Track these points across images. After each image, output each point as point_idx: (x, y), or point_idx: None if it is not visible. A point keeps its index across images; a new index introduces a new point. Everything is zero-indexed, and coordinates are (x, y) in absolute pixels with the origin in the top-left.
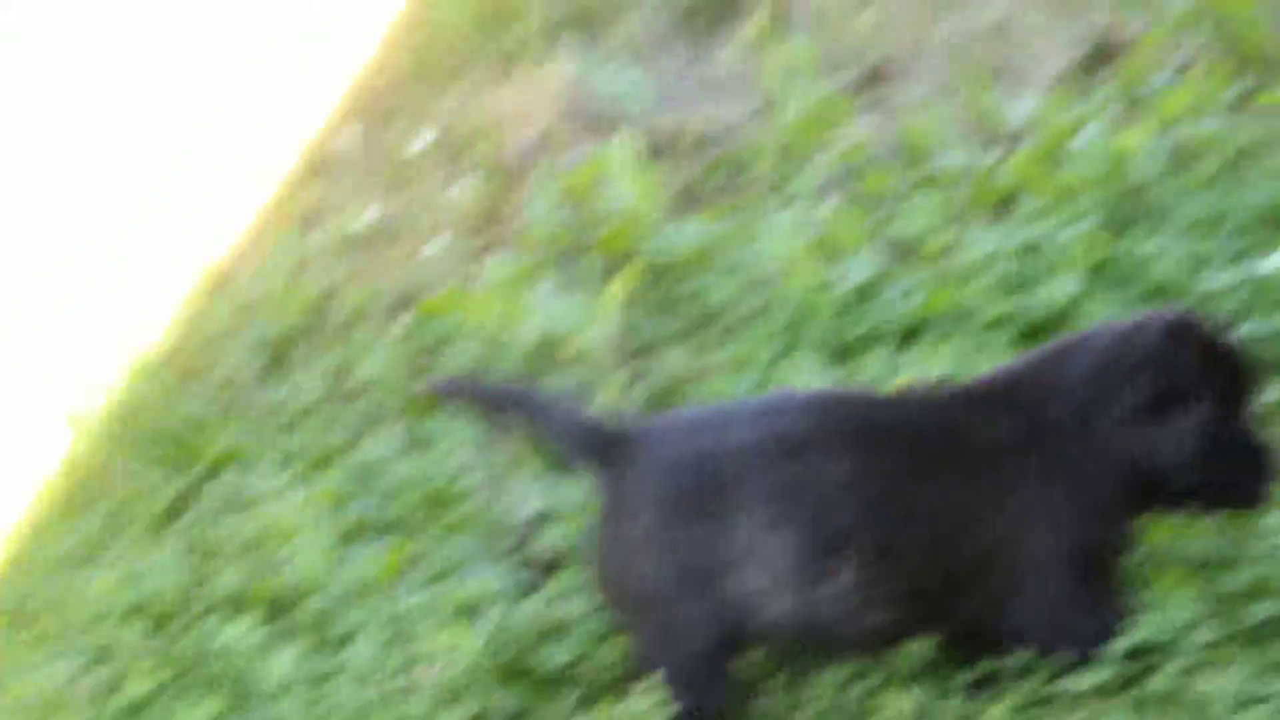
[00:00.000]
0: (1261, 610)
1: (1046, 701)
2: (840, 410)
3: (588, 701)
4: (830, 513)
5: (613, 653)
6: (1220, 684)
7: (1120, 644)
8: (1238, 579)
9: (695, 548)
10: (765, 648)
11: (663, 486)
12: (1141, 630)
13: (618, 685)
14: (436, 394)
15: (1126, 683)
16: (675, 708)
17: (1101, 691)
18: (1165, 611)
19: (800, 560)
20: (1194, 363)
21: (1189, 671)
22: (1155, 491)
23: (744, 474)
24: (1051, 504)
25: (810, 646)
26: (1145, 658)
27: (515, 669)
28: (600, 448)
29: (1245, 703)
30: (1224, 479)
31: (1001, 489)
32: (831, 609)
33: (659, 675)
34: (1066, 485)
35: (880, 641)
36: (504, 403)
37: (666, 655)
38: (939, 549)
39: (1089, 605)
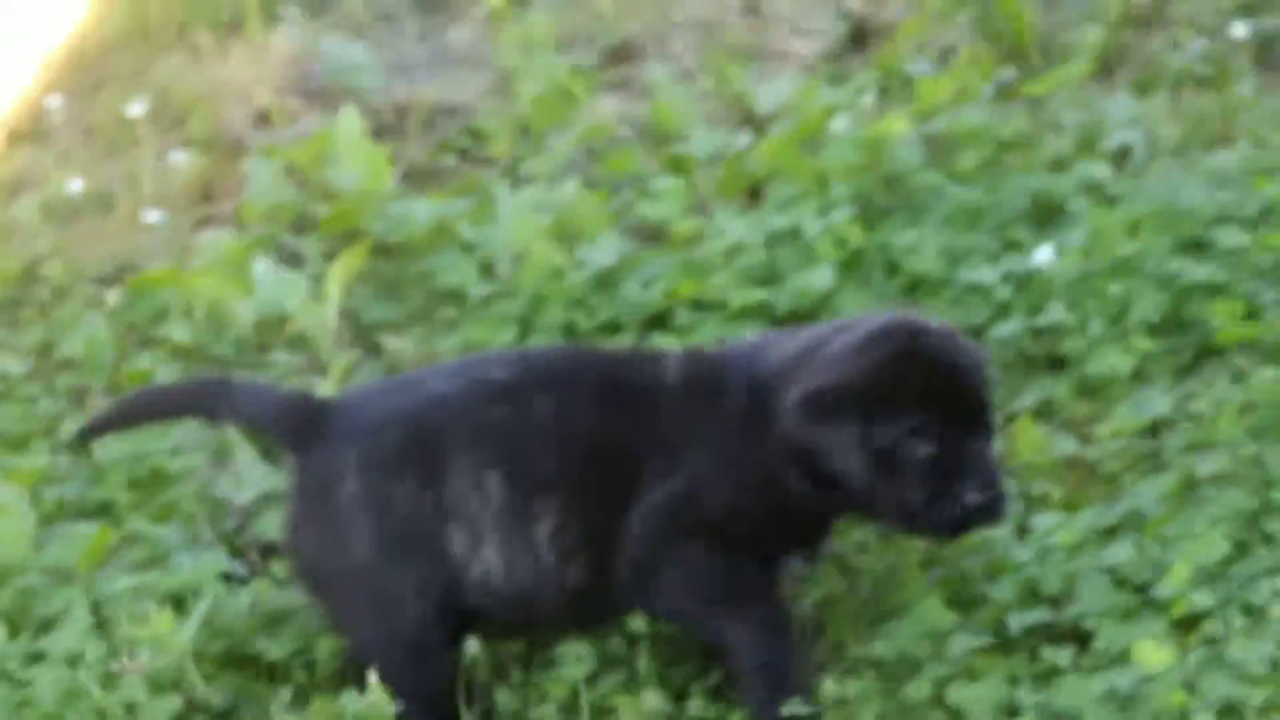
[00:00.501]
0: (1026, 618)
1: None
2: (539, 360)
3: (304, 696)
4: (528, 458)
5: (332, 645)
6: (977, 694)
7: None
8: (1003, 587)
9: (402, 507)
10: (483, 634)
11: (363, 449)
12: (900, 639)
13: (336, 679)
14: (95, 435)
15: (883, 691)
16: (397, 703)
17: (858, 699)
18: (923, 621)
19: (501, 507)
20: (906, 376)
21: (946, 681)
22: (831, 496)
23: (445, 424)
24: (704, 471)
25: (519, 621)
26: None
27: (228, 659)
28: (292, 423)
29: (1004, 713)
30: (906, 500)
31: (671, 448)
32: (531, 562)
33: (374, 663)
34: (725, 459)
35: (583, 613)
36: (181, 406)
37: (380, 635)
38: (616, 502)
39: (725, 582)
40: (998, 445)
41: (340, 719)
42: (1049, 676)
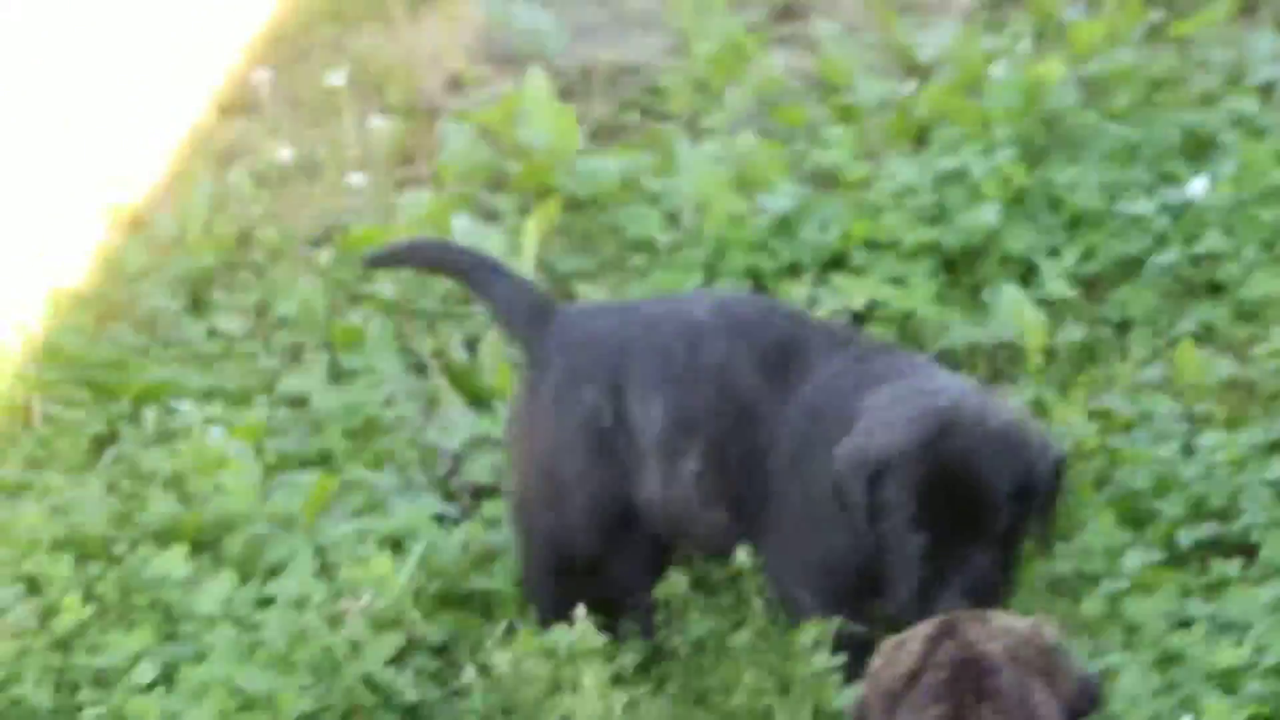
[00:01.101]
0: (1194, 533)
1: None
2: (736, 309)
3: (517, 631)
4: (688, 397)
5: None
6: (1150, 607)
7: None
8: (1172, 504)
9: (588, 411)
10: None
11: (568, 355)
12: (1076, 557)
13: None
14: (383, 261)
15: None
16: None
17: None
18: (1097, 538)
19: (658, 435)
20: (920, 470)
21: (1120, 596)
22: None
23: (637, 345)
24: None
25: (682, 540)
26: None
27: (445, 598)
28: (527, 320)
29: (1176, 625)
30: (894, 583)
31: (800, 437)
32: (680, 493)
33: (532, 555)
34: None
35: (736, 543)
36: (456, 266)
37: (557, 518)
38: (752, 464)
39: (816, 568)
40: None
41: (551, 652)
42: (1218, 588)
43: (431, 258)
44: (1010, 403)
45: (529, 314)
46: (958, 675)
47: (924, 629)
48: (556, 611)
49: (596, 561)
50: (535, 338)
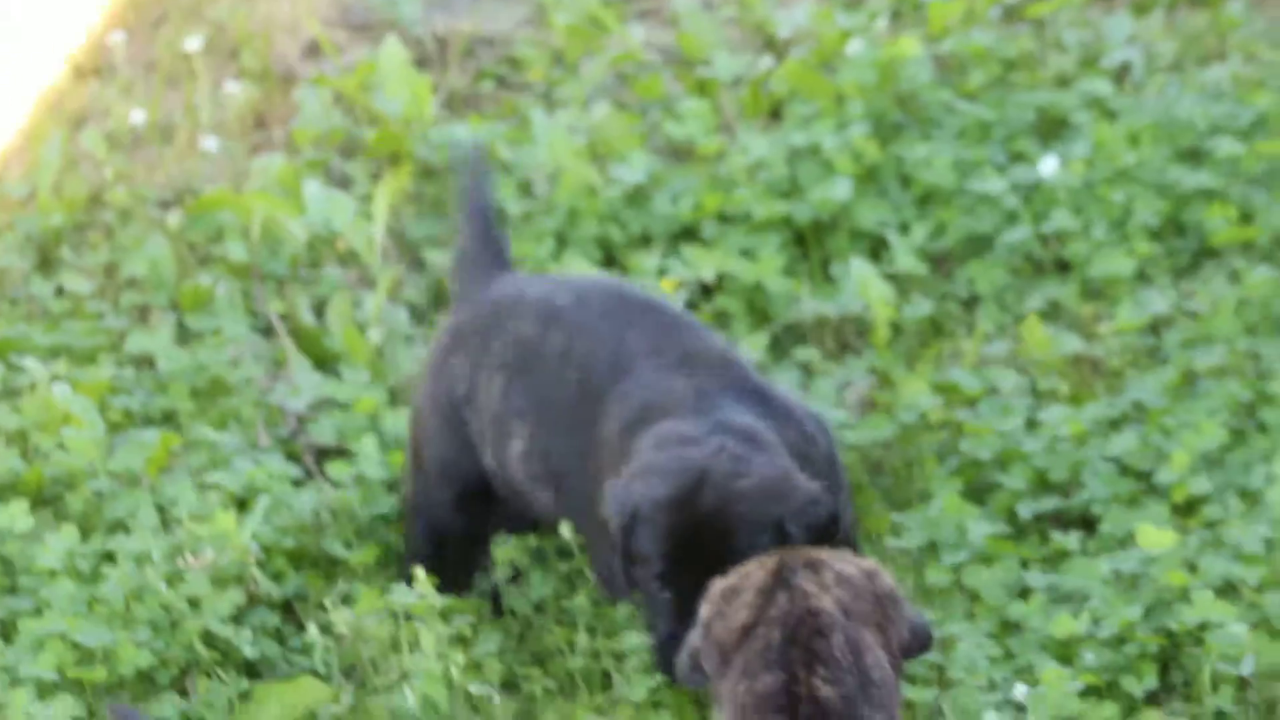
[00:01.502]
0: (1035, 506)
1: None
2: (595, 304)
3: (355, 587)
4: (525, 383)
5: (388, 540)
6: (990, 577)
7: None
8: (1015, 476)
9: (451, 380)
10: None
11: (460, 317)
12: (922, 529)
13: (390, 572)
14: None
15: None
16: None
17: None
18: (942, 511)
19: (494, 414)
20: (659, 526)
21: (962, 566)
22: None
23: (507, 324)
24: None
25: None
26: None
27: (288, 556)
28: (473, 274)
29: (1015, 595)
30: (656, 631)
31: (597, 448)
32: (513, 472)
33: (407, 515)
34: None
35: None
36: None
37: (413, 488)
38: (571, 456)
39: (602, 571)
40: None
41: (391, 612)
42: (1058, 559)
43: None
44: (776, 459)
45: (474, 270)
46: (791, 637)
47: (758, 576)
48: (434, 569)
49: (453, 523)
50: (459, 293)
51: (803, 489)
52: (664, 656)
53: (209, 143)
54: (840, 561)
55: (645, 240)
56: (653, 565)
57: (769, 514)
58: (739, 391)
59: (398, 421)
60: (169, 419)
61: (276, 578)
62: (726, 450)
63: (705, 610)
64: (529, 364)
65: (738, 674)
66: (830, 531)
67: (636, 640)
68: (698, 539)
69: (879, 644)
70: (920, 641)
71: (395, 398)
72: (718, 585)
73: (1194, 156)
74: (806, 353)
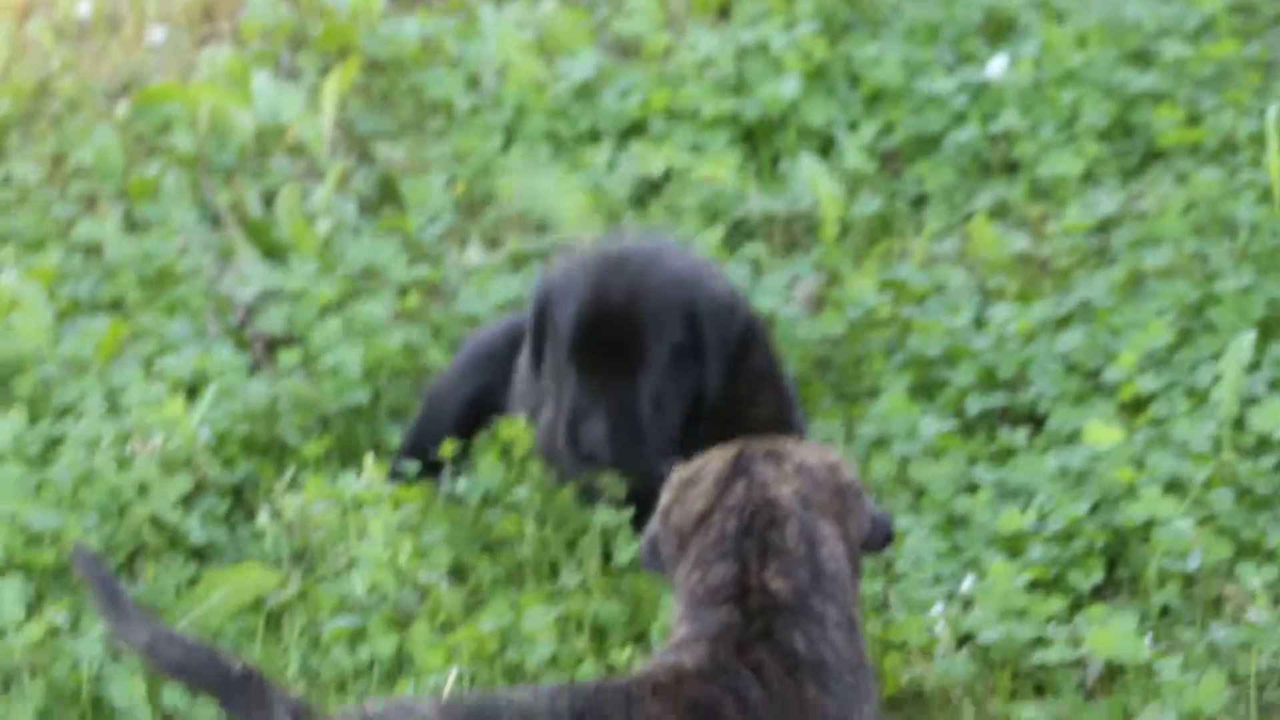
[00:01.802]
0: (983, 402)
1: None
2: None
3: (303, 475)
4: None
5: (337, 428)
6: (938, 472)
7: None
8: (962, 373)
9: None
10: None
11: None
12: (870, 423)
13: (336, 460)
14: None
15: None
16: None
17: None
18: (889, 405)
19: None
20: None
21: (910, 460)
22: None
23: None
24: None
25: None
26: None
27: (237, 443)
28: None
29: (963, 489)
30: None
31: None
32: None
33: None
34: None
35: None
36: None
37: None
38: None
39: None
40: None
41: (338, 499)
42: (1005, 456)
43: None
44: (695, 259)
45: None
46: (746, 527)
47: (717, 464)
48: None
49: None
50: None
51: (721, 288)
52: (567, 432)
53: (156, 34)
54: (802, 451)
55: (594, 136)
56: (563, 342)
57: (679, 299)
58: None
59: (346, 312)
60: (117, 307)
61: (225, 464)
62: (651, 241)
63: (665, 498)
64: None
65: (691, 563)
66: (744, 341)
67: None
68: (608, 316)
69: (836, 535)
70: (881, 535)
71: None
72: (678, 474)
73: (1142, 58)
74: (755, 249)
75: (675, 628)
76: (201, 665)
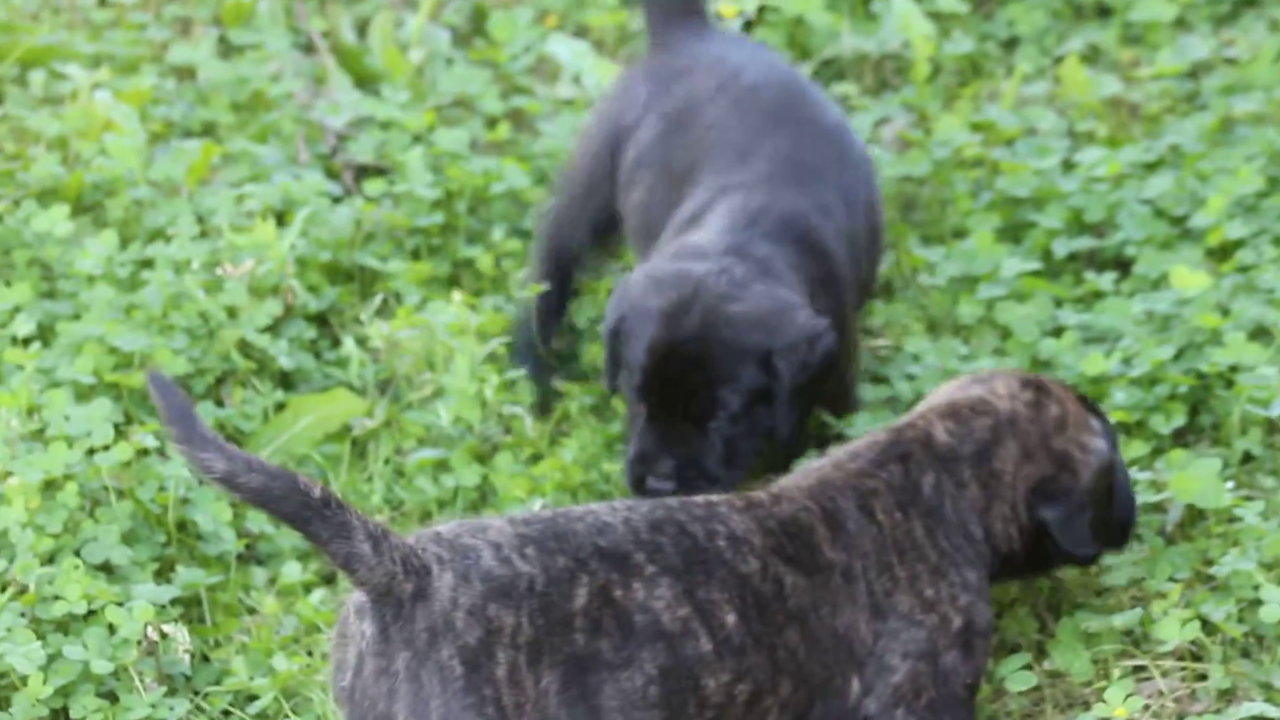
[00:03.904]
0: (1072, 245)
1: None
2: (773, 95)
3: (393, 304)
4: (671, 139)
5: (422, 267)
6: (1024, 314)
7: None
8: (1050, 216)
9: (628, 103)
10: None
11: (653, 57)
12: (958, 262)
13: (423, 290)
14: None
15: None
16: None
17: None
18: (976, 246)
19: (637, 159)
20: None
21: (996, 302)
22: None
23: (689, 78)
24: None
25: None
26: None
27: (326, 270)
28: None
29: (1048, 332)
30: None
31: None
32: (628, 222)
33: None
34: None
35: None
36: None
37: (564, 198)
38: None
39: None
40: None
41: (428, 327)
42: (1091, 299)
43: None
44: (777, 290)
45: (670, 10)
46: None
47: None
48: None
49: (575, 244)
50: (654, 31)
51: (801, 323)
52: (632, 473)
53: None
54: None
55: None
56: (634, 376)
57: (755, 344)
58: (782, 224)
59: (439, 140)
60: (209, 131)
61: (313, 290)
62: (728, 272)
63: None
64: (683, 123)
65: None
66: (825, 371)
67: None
68: (679, 357)
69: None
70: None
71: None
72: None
73: None
74: (845, 88)
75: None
76: (281, 492)
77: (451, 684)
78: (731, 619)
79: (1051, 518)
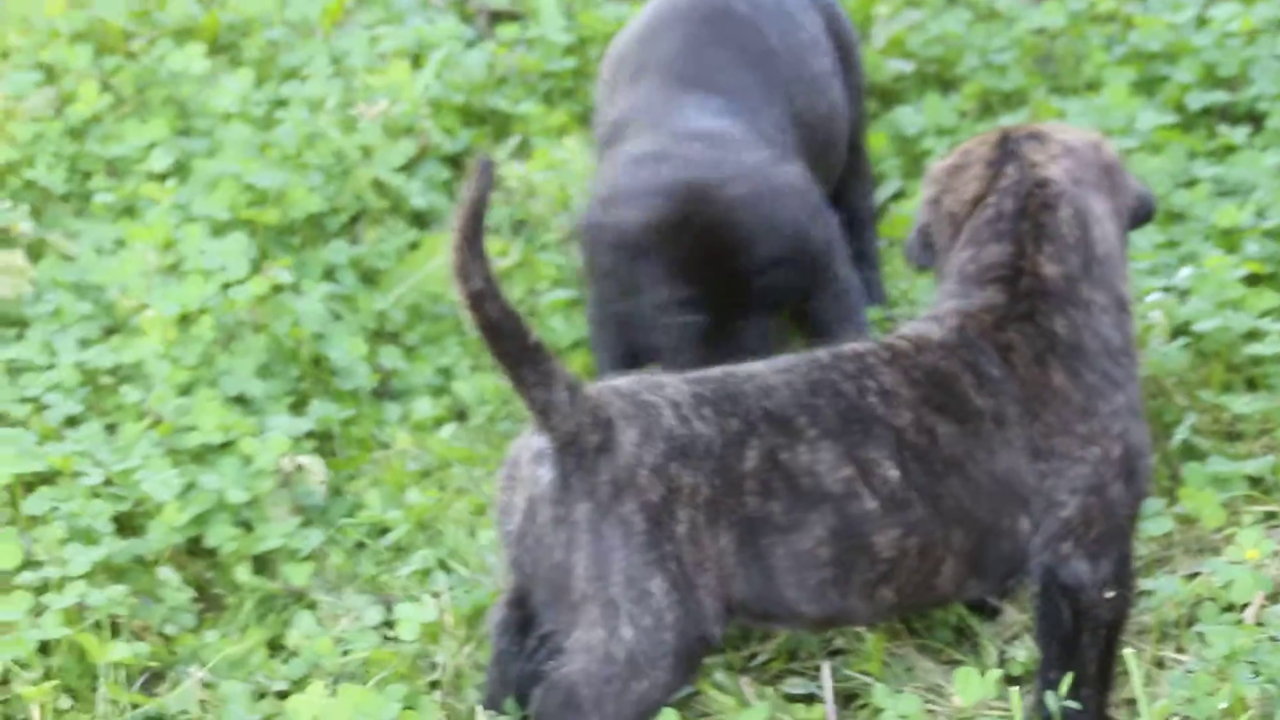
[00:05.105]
0: (1204, 99)
1: None
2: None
3: (528, 147)
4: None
5: (559, 101)
6: (1157, 166)
7: None
8: (1183, 70)
9: None
10: None
11: None
12: (1092, 114)
13: (555, 133)
14: None
15: None
16: None
17: None
18: (1110, 99)
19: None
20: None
21: (1130, 154)
22: None
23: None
24: None
25: None
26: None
27: (460, 111)
28: None
29: (1182, 184)
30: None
31: None
32: None
33: None
34: None
35: None
36: None
37: None
38: None
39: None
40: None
41: (563, 169)
42: (1225, 152)
43: None
44: (777, 162)
45: None
46: (1022, 208)
47: (983, 149)
48: None
49: None
50: None
51: (807, 195)
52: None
53: None
54: (1064, 133)
55: None
56: (662, 294)
57: (779, 225)
58: (704, 94)
59: None
60: None
61: (447, 132)
62: (725, 157)
63: (930, 189)
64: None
65: (964, 242)
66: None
67: None
68: (706, 257)
69: (1108, 213)
70: (1145, 209)
71: None
72: (938, 165)
73: None
74: None
75: (940, 300)
76: (510, 329)
77: (634, 538)
78: (894, 474)
79: (1144, 219)
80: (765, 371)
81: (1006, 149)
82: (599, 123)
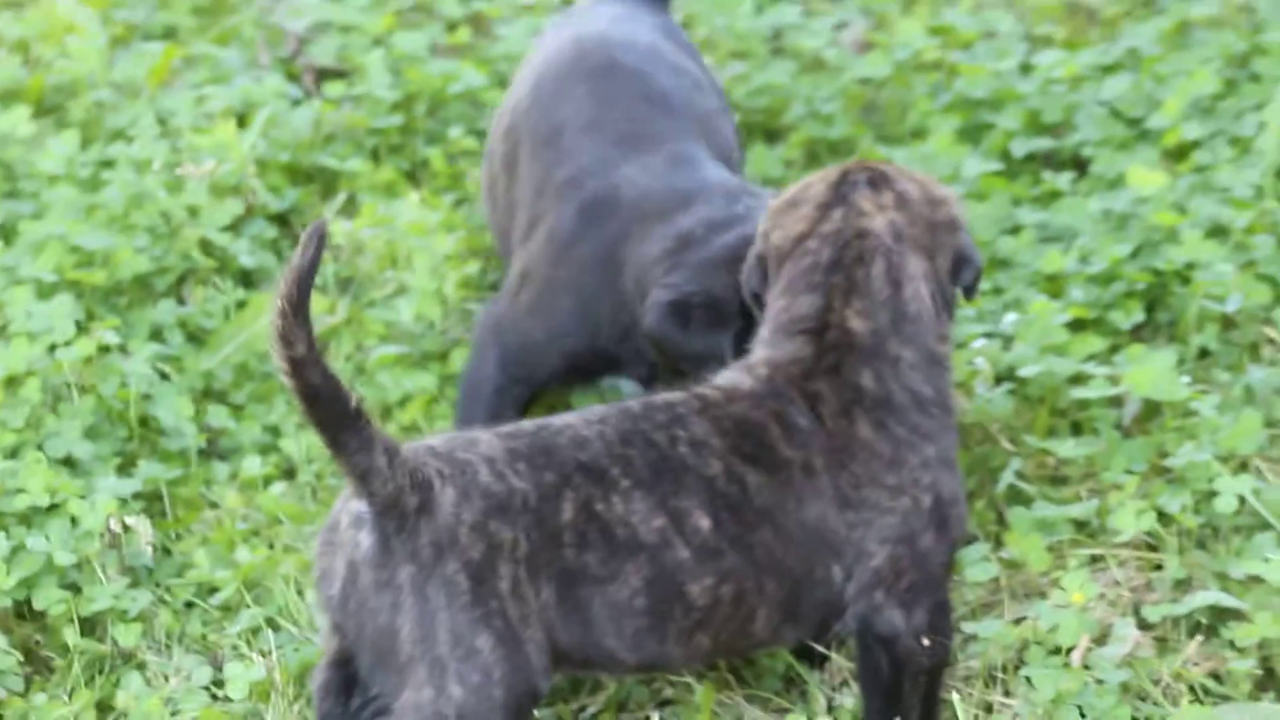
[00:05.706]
0: (1028, 145)
1: None
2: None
3: (355, 204)
4: None
5: (381, 157)
6: (983, 213)
7: None
8: (1008, 116)
9: None
10: None
11: None
12: (917, 163)
13: (381, 190)
14: None
15: None
16: None
17: None
18: (935, 147)
19: None
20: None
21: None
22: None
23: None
24: None
25: None
26: None
27: (285, 170)
28: None
29: (1007, 231)
30: None
31: None
32: None
33: None
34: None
35: None
36: None
37: None
38: None
39: None
40: None
41: (389, 226)
42: (1049, 198)
43: None
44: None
45: None
46: (837, 259)
47: (820, 187)
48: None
49: None
50: None
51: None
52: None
53: None
54: (906, 180)
55: None
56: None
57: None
58: (653, 146)
59: (399, 42)
60: (170, 34)
61: (274, 190)
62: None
63: (765, 221)
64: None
65: (781, 288)
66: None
67: None
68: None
69: (923, 274)
70: (970, 275)
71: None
72: (779, 199)
73: None
74: None
75: (754, 350)
76: (330, 395)
77: (459, 597)
78: (705, 524)
79: (968, 283)
80: (578, 423)
81: (840, 192)
82: (501, 191)
